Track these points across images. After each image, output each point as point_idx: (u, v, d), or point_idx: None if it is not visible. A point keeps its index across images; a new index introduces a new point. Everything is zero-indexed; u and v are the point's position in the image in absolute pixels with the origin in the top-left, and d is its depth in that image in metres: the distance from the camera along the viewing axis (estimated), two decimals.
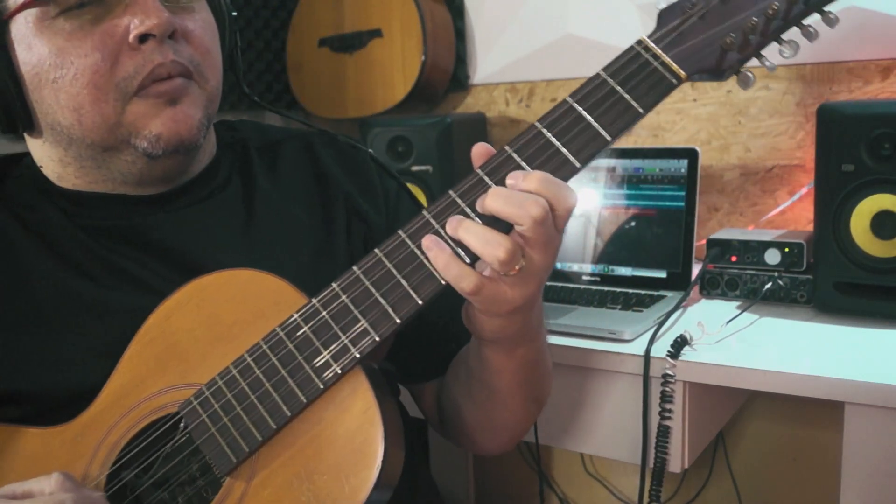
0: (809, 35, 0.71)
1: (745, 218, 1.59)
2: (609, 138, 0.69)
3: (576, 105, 0.70)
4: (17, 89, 0.76)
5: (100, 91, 0.74)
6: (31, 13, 0.73)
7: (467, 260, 0.67)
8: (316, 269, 0.85)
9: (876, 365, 0.99)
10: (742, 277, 1.27)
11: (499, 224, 0.66)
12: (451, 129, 1.65)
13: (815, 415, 1.52)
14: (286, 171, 0.91)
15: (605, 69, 0.71)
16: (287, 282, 0.74)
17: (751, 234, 1.34)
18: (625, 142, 1.66)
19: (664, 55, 0.70)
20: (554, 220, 0.66)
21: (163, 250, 0.81)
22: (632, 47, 0.71)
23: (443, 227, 0.68)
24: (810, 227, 1.29)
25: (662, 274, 1.37)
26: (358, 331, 0.69)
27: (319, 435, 0.69)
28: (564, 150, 0.69)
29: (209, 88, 0.81)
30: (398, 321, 0.69)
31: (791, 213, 1.53)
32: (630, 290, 1.34)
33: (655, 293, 1.32)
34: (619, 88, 0.70)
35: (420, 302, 0.68)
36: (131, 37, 0.74)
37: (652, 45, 0.71)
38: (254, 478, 0.69)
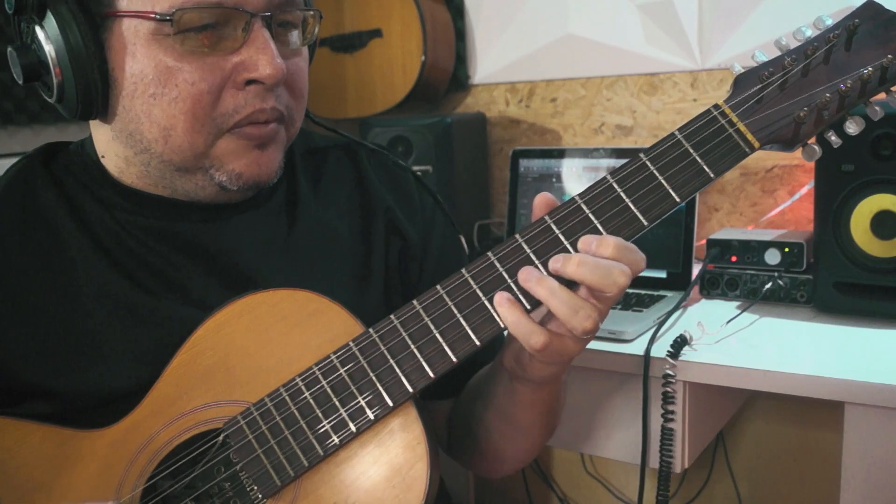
0: (875, 113, 0.71)
1: (745, 218, 1.59)
2: (678, 200, 0.69)
3: (648, 163, 0.69)
4: (104, 88, 0.72)
5: (196, 121, 0.72)
6: (144, 23, 0.70)
7: (528, 306, 0.67)
8: (354, 285, 0.85)
9: (876, 365, 0.99)
10: (742, 277, 1.27)
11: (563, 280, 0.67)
12: (451, 129, 1.64)
13: (815, 415, 1.52)
14: (328, 180, 0.90)
15: (679, 130, 0.70)
16: (344, 308, 0.73)
17: (751, 234, 1.34)
18: (625, 142, 1.66)
19: (740, 123, 0.70)
20: None
21: (209, 258, 0.80)
22: (708, 110, 0.71)
23: (508, 271, 0.68)
24: (810, 227, 1.29)
25: (662, 274, 1.37)
26: (413, 367, 0.69)
27: (366, 465, 0.69)
28: (633, 208, 0.69)
29: (293, 132, 0.80)
30: (455, 360, 0.68)
31: (791, 213, 1.53)
32: (630, 290, 1.34)
33: (655, 293, 1.32)
34: (692, 151, 0.69)
35: (478, 343, 0.68)
36: (241, 78, 0.72)
37: (729, 111, 0.70)
38: (296, 502, 0.69)
